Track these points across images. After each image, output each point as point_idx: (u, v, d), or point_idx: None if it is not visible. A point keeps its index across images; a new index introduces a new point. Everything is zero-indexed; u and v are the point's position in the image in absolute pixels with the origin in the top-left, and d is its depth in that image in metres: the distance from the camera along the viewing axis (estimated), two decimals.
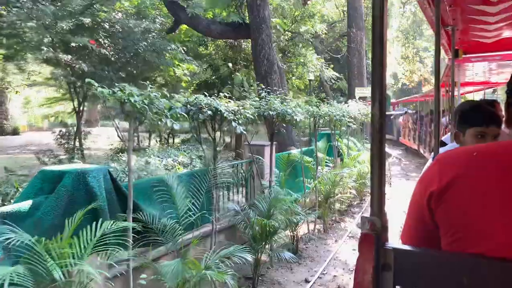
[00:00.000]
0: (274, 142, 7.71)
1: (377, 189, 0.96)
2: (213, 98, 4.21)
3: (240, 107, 4.35)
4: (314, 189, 7.47)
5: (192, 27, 11.48)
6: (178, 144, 15.90)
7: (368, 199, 10.21)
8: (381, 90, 0.96)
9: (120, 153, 12.42)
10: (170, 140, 18.31)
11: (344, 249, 6.66)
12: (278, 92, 5.98)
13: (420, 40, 25.59)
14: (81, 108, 10.20)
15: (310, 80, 18.81)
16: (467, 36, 4.25)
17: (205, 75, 20.98)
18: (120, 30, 9.91)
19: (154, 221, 4.10)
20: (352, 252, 6.53)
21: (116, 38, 9.88)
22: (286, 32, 19.54)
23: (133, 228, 4.15)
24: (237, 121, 4.12)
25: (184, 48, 11.57)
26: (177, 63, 11.40)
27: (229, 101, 4.43)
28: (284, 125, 5.95)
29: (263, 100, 5.45)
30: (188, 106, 4.07)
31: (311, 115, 6.59)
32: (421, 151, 15.05)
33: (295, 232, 6.39)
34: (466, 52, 4.90)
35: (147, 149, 14.12)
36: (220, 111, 4.04)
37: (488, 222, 0.88)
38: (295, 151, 8.33)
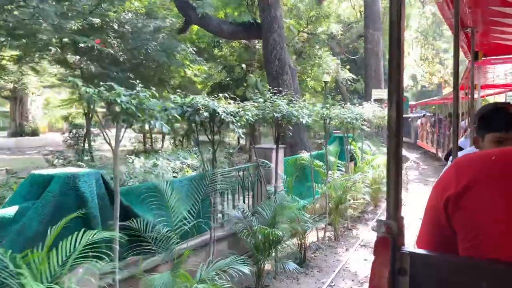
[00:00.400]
0: (282, 145, 7.44)
1: (393, 192, 0.95)
2: (211, 99, 3.97)
3: (240, 109, 4.09)
4: (325, 194, 7.16)
5: (203, 27, 11.30)
6: (191, 146, 15.78)
7: (383, 205, 9.82)
8: (398, 92, 0.95)
9: (134, 155, 12.35)
10: (186, 142, 18.26)
11: (354, 259, 6.32)
12: (284, 92, 5.67)
13: (440, 41, 24.87)
14: (90, 109, 10.09)
15: (325, 82, 18.46)
16: (487, 38, 4.14)
17: (220, 77, 20.94)
18: (130, 31, 9.80)
19: (147, 229, 3.88)
20: (363, 262, 6.18)
21: (125, 38, 9.76)
22: (302, 33, 19.27)
23: (125, 237, 3.95)
24: (236, 124, 3.86)
25: (195, 48, 11.39)
26: (188, 63, 11.23)
27: (229, 103, 4.17)
28: (290, 127, 5.63)
29: (268, 101, 5.17)
30: (184, 107, 3.83)
31: (321, 118, 6.28)
32: (439, 154, 14.80)
33: (303, 241, 6.09)
34: (486, 54, 4.77)
35: (160, 151, 14.01)
36: (218, 113, 3.79)
37: (506, 227, 0.86)
38: (305, 155, 8.02)
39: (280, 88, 9.10)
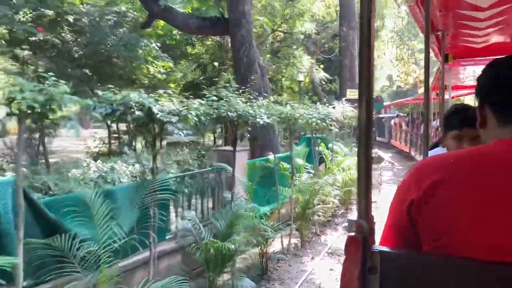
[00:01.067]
0: (245, 148, 7.00)
1: (363, 192, 0.95)
2: (148, 96, 3.46)
3: (184, 108, 3.59)
4: (291, 199, 6.73)
5: (167, 21, 10.72)
6: (161, 148, 15.10)
7: (354, 208, 9.47)
8: (368, 92, 0.95)
9: (100, 158, 11.66)
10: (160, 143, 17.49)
11: (320, 269, 5.90)
12: (241, 91, 5.21)
13: (415, 41, 24.87)
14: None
15: (299, 81, 18.09)
16: (457, 41, 4.24)
17: (193, 76, 20.34)
18: (87, 24, 9.14)
19: (72, 247, 3.36)
20: (329, 272, 5.77)
21: (82, 32, 9.10)
22: (278, 33, 18.85)
23: (53, 256, 3.42)
24: (176, 124, 3.36)
25: (159, 44, 10.78)
26: (151, 60, 10.61)
27: (171, 100, 3.67)
28: (249, 128, 5.17)
29: (224, 99, 4.70)
30: (115, 105, 3.31)
31: (284, 118, 5.84)
32: (412, 153, 14.92)
33: (264, 250, 5.64)
34: (456, 56, 4.92)
35: (130, 153, 13.33)
36: (153, 112, 3.28)
37: (469, 226, 0.88)
38: (271, 157, 7.58)
39: (248, 86, 8.66)
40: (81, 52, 9.12)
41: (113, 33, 9.44)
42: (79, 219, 3.48)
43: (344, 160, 8.94)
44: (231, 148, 6.71)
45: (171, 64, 11.21)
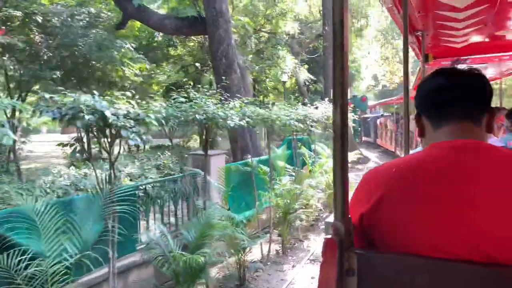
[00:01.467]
0: (221, 151, 6.73)
1: (340, 194, 0.96)
2: (103, 99, 3.15)
3: (142, 111, 3.28)
4: (271, 204, 6.45)
5: (143, 21, 10.37)
6: (140, 152, 14.70)
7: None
8: (342, 96, 0.96)
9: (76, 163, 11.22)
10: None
11: (301, 277, 5.63)
12: (214, 91, 4.92)
13: (400, 40, 24.89)
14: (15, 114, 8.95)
15: (284, 82, 17.85)
16: (437, 41, 4.26)
17: (176, 77, 19.98)
18: (58, 25, 8.73)
19: (19, 265, 3.03)
20: (310, 281, 5.50)
21: (52, 34, 8.69)
22: (262, 33, 18.59)
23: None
24: (132, 129, 3.06)
25: (133, 45, 10.41)
26: (127, 61, 10.25)
27: (128, 102, 3.36)
28: (221, 130, 4.87)
29: (193, 101, 4.41)
30: (64, 109, 3.00)
31: (259, 120, 5.56)
32: (398, 152, 15.22)
33: (242, 259, 5.35)
34: (437, 56, 4.95)
35: (105, 158, 12.88)
36: (106, 116, 2.97)
37: (415, 232, 0.93)
38: (251, 160, 7.30)
39: (223, 88, 8.38)
40: (51, 54, 8.70)
41: (86, 34, 9.04)
42: (28, 235, 3.15)
43: (327, 162, 8.69)
44: (210, 152, 6.43)
45: (147, 66, 10.84)
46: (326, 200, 9.00)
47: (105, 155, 4.42)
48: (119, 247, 3.91)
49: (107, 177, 3.37)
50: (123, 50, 9.72)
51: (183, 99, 4.31)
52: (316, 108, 8.98)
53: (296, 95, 24.04)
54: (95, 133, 3.17)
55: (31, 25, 8.20)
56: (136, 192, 4.43)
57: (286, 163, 7.67)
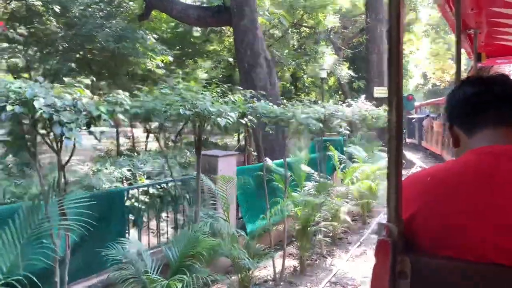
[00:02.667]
0: (233, 152, 6.00)
1: (393, 195, 0.95)
2: (33, 84, 2.48)
3: (90, 101, 2.58)
4: (286, 215, 5.61)
5: (166, 12, 9.84)
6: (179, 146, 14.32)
7: (373, 222, 8.22)
8: (398, 94, 0.95)
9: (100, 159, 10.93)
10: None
11: None
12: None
13: (452, 34, 22.98)
14: None
15: (322, 79, 16.78)
16: (491, 39, 4.05)
17: (214, 73, 19.57)
18: (77, 15, 8.38)
19: None
20: None
21: (70, 24, 8.34)
22: (302, 28, 17.68)
23: None
24: (71, 125, 2.37)
25: (155, 36, 9.89)
26: (150, 54, 9.76)
27: (83, 90, 2.67)
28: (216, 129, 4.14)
29: (180, 93, 3.68)
30: None
31: (272, 118, 4.75)
32: (444, 156, 14.07)
33: (245, 279, 4.58)
34: (490, 55, 4.81)
35: (136, 153, 12.48)
36: (36, 108, 2.30)
37: (458, 239, 0.92)
38: (270, 163, 6.49)
39: (246, 82, 7.64)
40: (67, 45, 8.35)
41: (106, 26, 8.60)
42: None
43: (360, 167, 7.68)
44: (214, 153, 5.71)
45: (170, 58, 10.30)
46: (358, 210, 8.01)
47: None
48: (84, 267, 3.26)
49: (54, 183, 2.70)
50: (147, 41, 9.18)
51: (168, 91, 3.59)
52: (348, 106, 8.01)
53: (340, 93, 22.88)
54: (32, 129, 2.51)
55: (48, 15, 7.90)
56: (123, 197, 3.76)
57: (311, 167, 6.80)
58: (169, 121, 3.86)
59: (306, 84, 19.64)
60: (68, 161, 2.84)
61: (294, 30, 17.43)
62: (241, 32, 8.55)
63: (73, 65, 8.17)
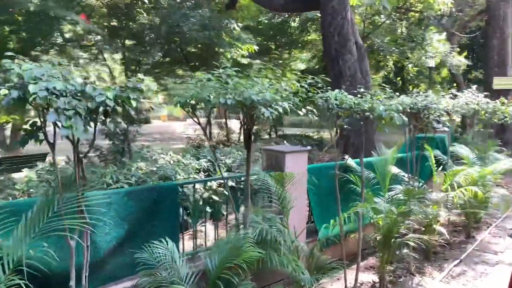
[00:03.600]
0: (304, 148, 5.38)
1: None
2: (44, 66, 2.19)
3: (100, 87, 2.21)
4: (363, 223, 4.82)
5: None
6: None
7: (480, 236, 6.85)
8: None
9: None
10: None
11: None
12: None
13: None
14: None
15: (429, 68, 14.99)
16: None
17: (313, 64, 18.96)
18: (165, 5, 8.42)
19: None
20: None
21: (158, 15, 8.43)
22: (412, 13, 16.04)
23: None
24: (66, 112, 2.02)
25: (240, 24, 9.55)
26: (235, 43, 9.48)
27: (73, 73, 2.32)
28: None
29: (227, 78, 3.21)
30: None
31: (347, 109, 4.02)
32: None
33: None
34: None
35: (233, 144, 12.49)
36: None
37: None
38: (351, 162, 5.71)
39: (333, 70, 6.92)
40: (152, 36, 8.45)
41: (193, 16, 8.51)
42: None
43: (460, 170, 6.40)
44: (279, 148, 5.13)
45: (255, 47, 9.90)
46: (461, 221, 6.76)
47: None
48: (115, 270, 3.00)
49: (73, 176, 2.42)
50: (235, 31, 8.92)
51: (207, 76, 3.15)
52: (453, 97, 6.76)
53: (455, 84, 20.47)
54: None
55: (136, 7, 8.08)
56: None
57: (402, 169, 5.84)
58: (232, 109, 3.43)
59: (411, 75, 17.82)
60: (86, 153, 2.56)
61: (401, 16, 15.84)
62: (329, 15, 7.76)
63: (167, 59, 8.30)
